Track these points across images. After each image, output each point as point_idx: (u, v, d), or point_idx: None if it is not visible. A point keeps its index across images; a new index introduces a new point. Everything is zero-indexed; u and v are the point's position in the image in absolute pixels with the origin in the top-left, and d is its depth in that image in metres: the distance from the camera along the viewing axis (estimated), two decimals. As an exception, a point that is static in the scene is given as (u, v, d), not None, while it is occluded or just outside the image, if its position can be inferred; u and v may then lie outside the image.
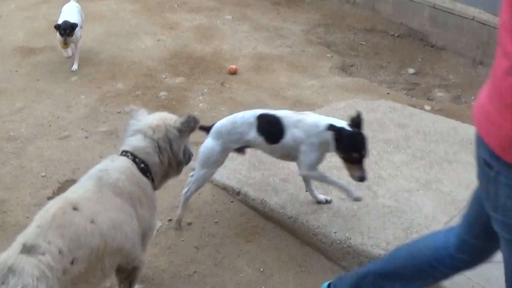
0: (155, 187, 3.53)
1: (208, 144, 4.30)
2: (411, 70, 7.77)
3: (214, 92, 6.75)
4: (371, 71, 7.72)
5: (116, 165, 3.34)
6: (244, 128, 4.24)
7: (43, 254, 2.70)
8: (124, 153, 3.43)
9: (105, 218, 3.05)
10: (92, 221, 2.96)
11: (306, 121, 4.13)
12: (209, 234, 4.51)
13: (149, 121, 3.51)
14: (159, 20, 8.84)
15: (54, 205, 2.98)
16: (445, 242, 3.11)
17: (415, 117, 5.97)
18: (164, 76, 7.06)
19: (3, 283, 2.57)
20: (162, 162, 3.49)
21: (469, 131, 5.49)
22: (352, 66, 7.86)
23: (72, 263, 2.80)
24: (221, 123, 4.32)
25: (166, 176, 3.64)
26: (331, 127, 3.94)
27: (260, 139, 4.23)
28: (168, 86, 6.82)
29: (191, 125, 3.54)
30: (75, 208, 2.96)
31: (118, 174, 3.27)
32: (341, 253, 4.23)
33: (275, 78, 7.26)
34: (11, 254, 2.71)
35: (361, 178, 4.01)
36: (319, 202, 4.58)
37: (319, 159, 4.23)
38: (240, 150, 4.45)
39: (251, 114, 4.29)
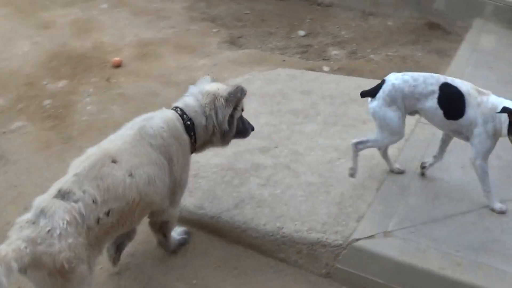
0: (195, 149, 3.70)
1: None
2: (302, 32, 7.56)
3: (101, 90, 6.27)
4: (261, 40, 7.45)
5: (163, 115, 3.53)
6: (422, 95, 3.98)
7: (76, 201, 2.92)
8: (175, 108, 3.63)
9: (142, 172, 3.23)
10: (131, 175, 3.17)
11: (486, 104, 3.87)
12: (127, 255, 4.00)
13: (203, 88, 3.70)
14: (34, 20, 8.17)
15: (93, 155, 3.17)
16: None
17: (317, 82, 5.78)
18: (46, 82, 6.49)
19: (34, 223, 2.82)
20: (207, 127, 3.63)
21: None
22: (240, 37, 7.56)
23: (108, 214, 3.02)
24: (395, 85, 3.99)
25: (209, 142, 3.77)
26: (505, 109, 3.71)
27: (439, 112, 3.96)
28: (51, 93, 6.27)
29: (238, 95, 3.64)
30: (114, 161, 3.16)
31: (162, 123, 3.45)
32: (276, 245, 3.95)
33: (163, 63, 6.85)
34: (45, 197, 2.95)
35: None
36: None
37: (493, 148, 3.97)
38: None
39: (434, 79, 4.00)
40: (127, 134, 3.38)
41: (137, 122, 3.48)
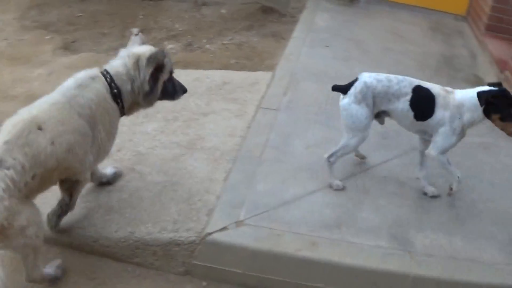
0: (124, 113, 3.79)
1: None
2: (135, 30, 7.42)
3: None
4: (95, 42, 7.29)
5: (93, 87, 3.58)
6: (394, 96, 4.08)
7: (8, 168, 3.11)
8: (105, 72, 3.68)
9: (63, 141, 3.34)
10: (52, 143, 3.28)
11: (453, 102, 4.02)
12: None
13: (131, 50, 3.76)
14: None
15: (21, 122, 3.27)
16: None
17: (157, 78, 5.67)
18: None
19: None
20: (132, 90, 3.69)
21: (213, 77, 5.31)
22: (74, 42, 7.35)
23: (33, 178, 3.22)
24: (367, 83, 4.06)
25: (136, 104, 3.83)
26: (481, 94, 3.90)
27: (410, 114, 4.09)
28: None
29: (158, 57, 3.68)
30: (39, 128, 3.27)
31: (93, 95, 3.54)
32: (130, 251, 3.87)
33: (-2, 78, 6.52)
34: None
35: None
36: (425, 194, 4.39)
37: (455, 144, 4.13)
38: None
39: (407, 82, 4.11)
40: (58, 101, 3.46)
41: (71, 88, 3.54)
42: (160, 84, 3.80)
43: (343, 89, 4.12)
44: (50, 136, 3.29)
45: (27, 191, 3.25)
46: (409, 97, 4.05)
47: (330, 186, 4.27)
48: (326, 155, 4.24)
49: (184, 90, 4.03)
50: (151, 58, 3.68)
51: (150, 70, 3.69)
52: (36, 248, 3.33)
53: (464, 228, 4.00)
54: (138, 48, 3.79)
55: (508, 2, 7.24)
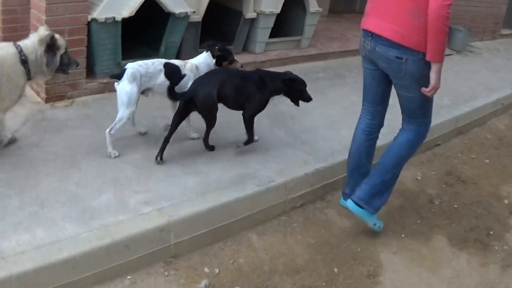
0: (30, 78, 4.77)
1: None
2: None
3: None
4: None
5: (6, 49, 4.65)
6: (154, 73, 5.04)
7: None
8: (17, 45, 4.69)
9: None
10: None
11: (190, 66, 5.23)
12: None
13: (38, 33, 4.80)
14: None
15: None
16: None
17: None
18: None
19: None
20: (36, 60, 4.71)
21: None
22: None
23: None
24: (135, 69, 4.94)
25: (41, 73, 4.86)
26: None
27: (167, 83, 4.97)
28: None
29: (47, 39, 4.73)
30: None
31: (5, 54, 4.58)
32: None
33: None
34: None
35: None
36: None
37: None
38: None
39: (158, 62, 5.13)
40: None
41: None
42: (58, 57, 4.86)
43: (118, 76, 4.96)
44: None
45: None
46: (163, 71, 5.08)
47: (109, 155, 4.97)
48: (107, 130, 4.89)
49: (76, 64, 5.13)
50: (44, 39, 4.73)
51: (42, 48, 4.73)
52: None
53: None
54: (42, 32, 4.81)
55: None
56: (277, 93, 5.15)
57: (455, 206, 5.64)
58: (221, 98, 4.93)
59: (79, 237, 3.73)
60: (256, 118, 5.21)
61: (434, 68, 4.17)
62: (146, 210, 4.09)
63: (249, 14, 7.24)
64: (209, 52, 5.27)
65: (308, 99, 5.22)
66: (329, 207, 5.10)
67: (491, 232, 5.34)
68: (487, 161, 6.92)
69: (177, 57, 6.45)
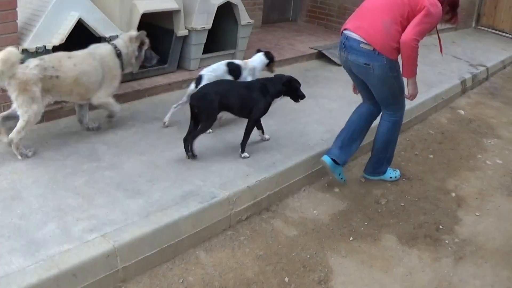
0: (123, 68, 5.96)
1: None
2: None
3: None
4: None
5: (105, 47, 5.88)
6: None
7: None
8: (112, 43, 5.93)
9: (82, 66, 5.50)
10: (75, 64, 5.45)
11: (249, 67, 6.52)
12: None
13: (127, 33, 6.08)
14: None
15: (61, 52, 5.63)
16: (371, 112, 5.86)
17: None
18: None
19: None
20: (127, 54, 5.94)
21: None
22: None
23: (57, 77, 5.33)
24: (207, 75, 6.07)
25: (130, 64, 6.06)
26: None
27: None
28: None
29: (141, 37, 6.03)
30: (69, 57, 5.49)
31: (104, 51, 5.80)
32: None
33: None
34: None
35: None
36: None
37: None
38: None
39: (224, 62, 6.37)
40: (84, 50, 5.71)
41: (90, 46, 5.79)
42: (143, 52, 6.08)
43: (197, 82, 6.01)
44: (75, 61, 5.48)
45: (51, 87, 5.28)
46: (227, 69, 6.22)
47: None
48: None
49: (157, 58, 6.34)
50: (136, 37, 5.97)
51: (136, 45, 5.97)
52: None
53: None
54: (130, 33, 6.06)
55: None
56: (278, 95, 5.75)
57: (402, 204, 5.74)
58: (226, 107, 5.54)
59: (27, 270, 3.71)
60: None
61: (409, 81, 5.45)
62: (90, 237, 4.07)
63: (181, 31, 7.28)
64: (263, 54, 6.63)
65: (302, 96, 5.89)
66: (275, 217, 5.15)
67: (440, 227, 5.45)
68: (431, 156, 7.06)
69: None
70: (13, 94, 5.07)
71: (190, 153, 5.41)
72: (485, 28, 18.57)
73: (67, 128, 5.79)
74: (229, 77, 6.14)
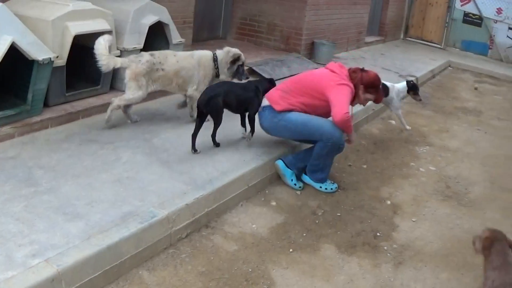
0: (218, 72, 7.21)
1: None
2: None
3: None
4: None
5: (205, 52, 7.29)
6: None
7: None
8: (213, 52, 7.22)
9: (182, 63, 7.02)
10: (177, 61, 6.98)
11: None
12: None
13: (225, 49, 7.30)
14: None
15: (168, 51, 7.54)
16: None
17: None
18: None
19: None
20: (221, 63, 7.17)
21: None
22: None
23: (163, 70, 6.89)
24: None
25: (224, 73, 7.19)
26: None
27: None
28: None
29: (236, 53, 7.20)
30: (174, 55, 7.04)
31: (203, 54, 7.22)
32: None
33: None
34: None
35: None
36: None
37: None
38: None
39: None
40: (187, 52, 7.30)
41: (196, 52, 7.23)
42: (236, 66, 7.18)
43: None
44: (178, 58, 7.01)
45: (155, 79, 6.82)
46: None
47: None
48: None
49: (246, 77, 7.33)
50: (233, 53, 7.16)
51: (230, 59, 7.14)
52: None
53: None
54: (227, 48, 7.29)
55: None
56: (266, 92, 6.61)
57: (338, 214, 5.90)
58: (227, 105, 6.39)
59: (-29, 300, 3.72)
60: (131, 155, 5.77)
61: (349, 136, 6.28)
62: (34, 262, 4.06)
63: (113, 52, 7.29)
64: (406, 82, 8.26)
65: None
66: (215, 233, 5.22)
67: (378, 234, 5.62)
68: (365, 166, 7.26)
69: (45, 104, 6.53)
70: (126, 79, 6.66)
71: (193, 149, 6.28)
72: (414, 39, 19.05)
73: (2, 153, 5.72)
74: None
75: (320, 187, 6.36)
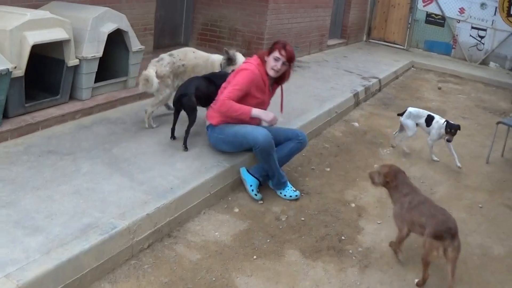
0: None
1: None
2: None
3: None
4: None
5: (218, 57, 7.64)
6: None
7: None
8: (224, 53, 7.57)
9: (198, 60, 7.62)
10: (195, 57, 7.61)
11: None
12: None
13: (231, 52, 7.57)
14: None
15: (187, 48, 8.19)
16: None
17: None
18: None
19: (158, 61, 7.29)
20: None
21: None
22: None
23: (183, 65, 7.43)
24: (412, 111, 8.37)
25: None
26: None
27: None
28: None
29: (226, 56, 7.47)
30: (193, 52, 7.72)
31: (217, 59, 7.64)
32: None
33: None
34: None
35: None
36: None
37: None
38: None
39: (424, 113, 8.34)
40: (204, 54, 7.81)
41: (211, 56, 7.74)
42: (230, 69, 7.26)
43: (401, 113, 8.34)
44: (195, 55, 7.58)
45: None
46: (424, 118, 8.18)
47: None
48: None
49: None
50: (226, 55, 7.44)
51: (223, 60, 7.48)
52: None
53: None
54: (231, 52, 7.50)
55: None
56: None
57: (302, 218, 5.91)
58: (198, 99, 6.57)
59: None
60: (91, 166, 5.75)
61: (264, 118, 6.27)
62: (-7, 278, 4.04)
63: (71, 61, 7.23)
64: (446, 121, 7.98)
65: None
66: (177, 243, 5.19)
67: (343, 237, 5.64)
68: (328, 169, 7.28)
69: (4, 115, 6.41)
70: (153, 84, 6.84)
71: (174, 137, 6.85)
72: (377, 41, 19.15)
73: (-39, 168, 5.65)
74: (423, 122, 8.20)
75: (281, 193, 6.37)
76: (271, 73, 6.23)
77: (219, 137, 6.37)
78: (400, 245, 5.32)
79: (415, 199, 5.18)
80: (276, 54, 6.17)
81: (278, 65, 6.20)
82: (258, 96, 6.23)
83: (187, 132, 6.58)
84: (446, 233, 4.71)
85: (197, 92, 6.54)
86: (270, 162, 6.15)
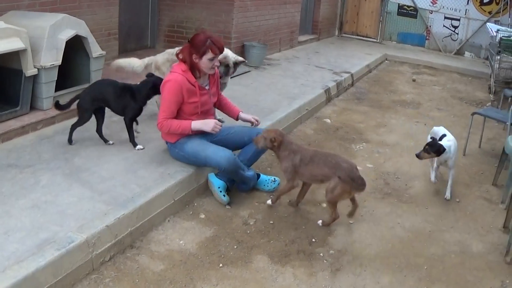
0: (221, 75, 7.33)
1: None
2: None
3: None
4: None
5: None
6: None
7: None
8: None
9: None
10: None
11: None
12: None
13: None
14: None
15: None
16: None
17: None
18: None
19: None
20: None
21: None
22: None
23: None
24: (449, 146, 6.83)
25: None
26: None
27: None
28: None
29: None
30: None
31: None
32: None
33: None
34: None
35: None
36: None
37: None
38: None
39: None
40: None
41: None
42: (232, 68, 7.41)
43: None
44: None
45: None
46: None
47: None
48: None
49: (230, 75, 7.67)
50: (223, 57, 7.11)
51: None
52: None
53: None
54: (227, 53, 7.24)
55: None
56: (149, 97, 6.69)
57: (271, 222, 5.80)
58: (103, 102, 6.59)
59: None
60: (51, 177, 5.66)
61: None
62: None
63: (30, 71, 7.10)
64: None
65: None
66: (140, 254, 5.06)
67: (313, 240, 5.54)
68: (299, 169, 7.15)
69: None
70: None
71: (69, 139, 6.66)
72: (349, 35, 19.15)
73: None
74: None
75: (262, 188, 6.54)
76: (212, 72, 6.20)
77: (180, 154, 6.24)
78: (283, 195, 6.13)
79: (306, 155, 5.83)
80: (209, 55, 6.00)
81: (216, 62, 6.16)
82: (194, 100, 6.06)
83: (72, 130, 6.63)
84: (355, 176, 5.65)
85: (100, 97, 6.55)
86: (238, 176, 6.13)
